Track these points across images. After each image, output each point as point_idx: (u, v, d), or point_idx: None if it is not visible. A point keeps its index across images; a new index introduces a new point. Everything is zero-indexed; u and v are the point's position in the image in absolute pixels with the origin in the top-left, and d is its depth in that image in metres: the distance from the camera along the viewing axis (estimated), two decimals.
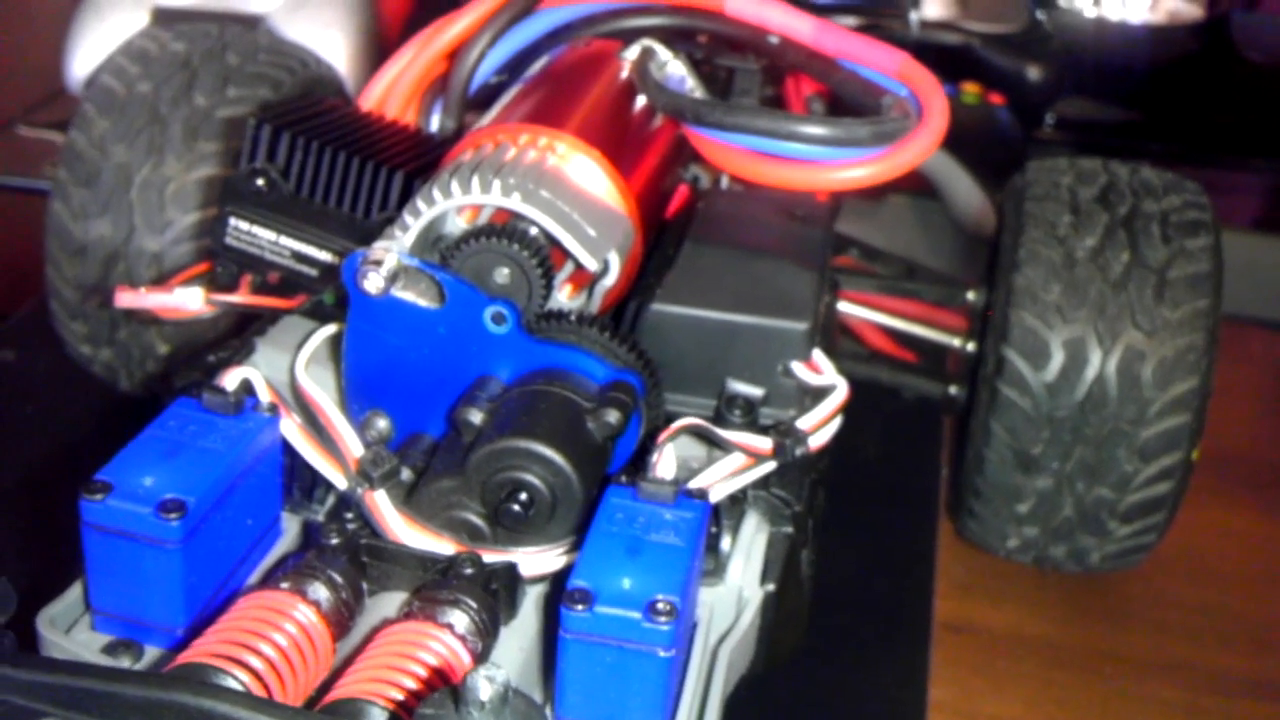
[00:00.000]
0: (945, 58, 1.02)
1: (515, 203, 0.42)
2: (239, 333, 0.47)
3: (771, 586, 0.41)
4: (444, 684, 0.31)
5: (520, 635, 0.38)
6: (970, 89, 1.02)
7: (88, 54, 0.94)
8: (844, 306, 0.64)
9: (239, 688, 0.31)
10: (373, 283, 0.41)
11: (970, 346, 0.62)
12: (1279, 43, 1.15)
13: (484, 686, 0.25)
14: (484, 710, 0.26)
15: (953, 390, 0.62)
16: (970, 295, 0.63)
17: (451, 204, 0.42)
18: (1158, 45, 1.13)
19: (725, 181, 0.56)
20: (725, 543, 0.41)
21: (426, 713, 0.26)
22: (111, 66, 0.63)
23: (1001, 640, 0.60)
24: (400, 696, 0.31)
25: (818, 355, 0.45)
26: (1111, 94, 1.14)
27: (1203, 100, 1.13)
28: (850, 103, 0.52)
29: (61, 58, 0.97)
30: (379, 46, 0.94)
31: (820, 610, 0.47)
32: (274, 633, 0.33)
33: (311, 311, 0.48)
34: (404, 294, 0.42)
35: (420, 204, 0.42)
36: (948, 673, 0.57)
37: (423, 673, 0.32)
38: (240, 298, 0.48)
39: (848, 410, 0.45)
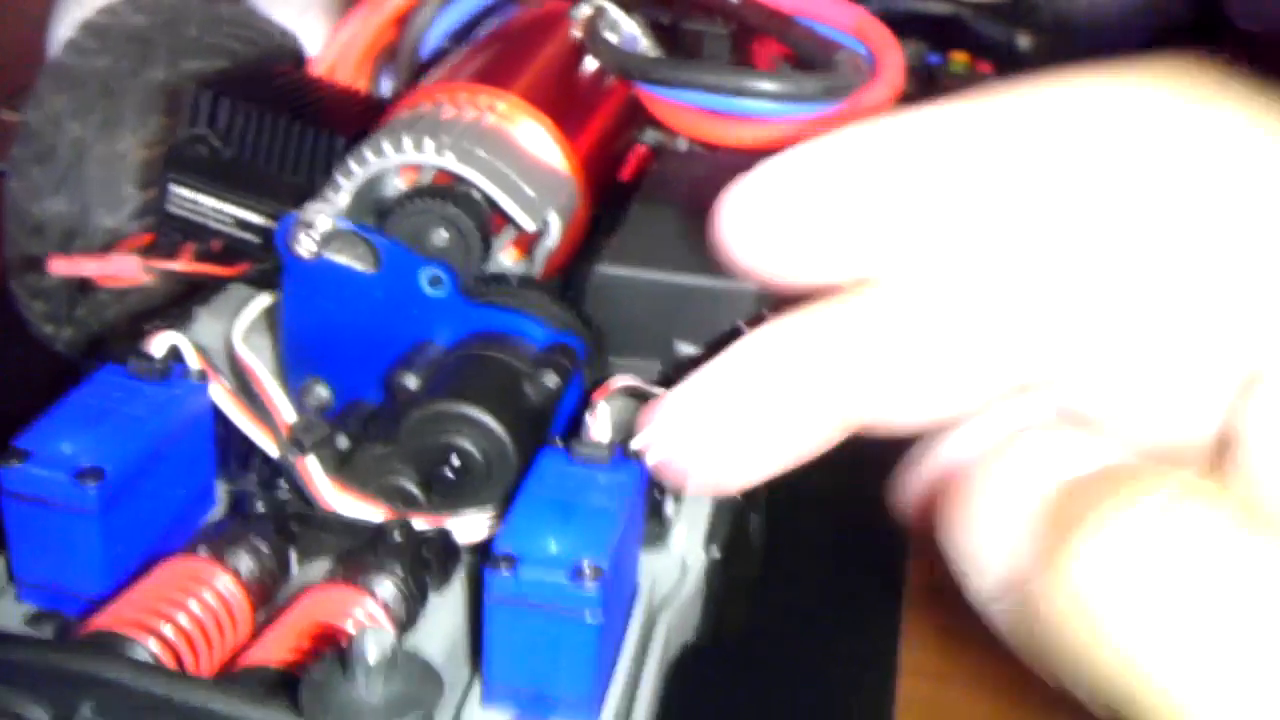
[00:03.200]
0: (934, 27, 1.01)
1: (449, 162, 0.41)
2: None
3: (716, 553, 0.40)
4: None
5: (452, 603, 0.37)
6: (959, 58, 1.01)
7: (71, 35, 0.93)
8: None
9: (147, 656, 0.30)
10: (305, 246, 0.40)
11: None
12: (1273, 11, 1.13)
13: (370, 649, 0.25)
14: (371, 673, 0.25)
15: None
16: None
17: (384, 163, 0.41)
18: (1150, 15, 1.11)
19: (684, 144, 0.55)
20: (669, 506, 0.40)
21: (314, 678, 0.25)
22: (68, 43, 0.62)
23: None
24: (308, 663, 0.30)
25: (768, 318, 0.44)
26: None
27: None
28: (808, 60, 0.51)
29: (44, 42, 0.96)
30: None
31: (787, 574, 0.46)
32: (188, 599, 0.33)
33: (256, 280, 0.47)
34: (338, 257, 0.41)
35: (352, 164, 0.41)
36: (919, 635, 0.56)
37: (334, 639, 0.31)
38: (180, 265, 0.47)
39: None
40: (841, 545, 0.58)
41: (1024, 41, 1.05)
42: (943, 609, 0.58)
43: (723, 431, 0.26)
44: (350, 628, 0.32)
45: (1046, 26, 1.06)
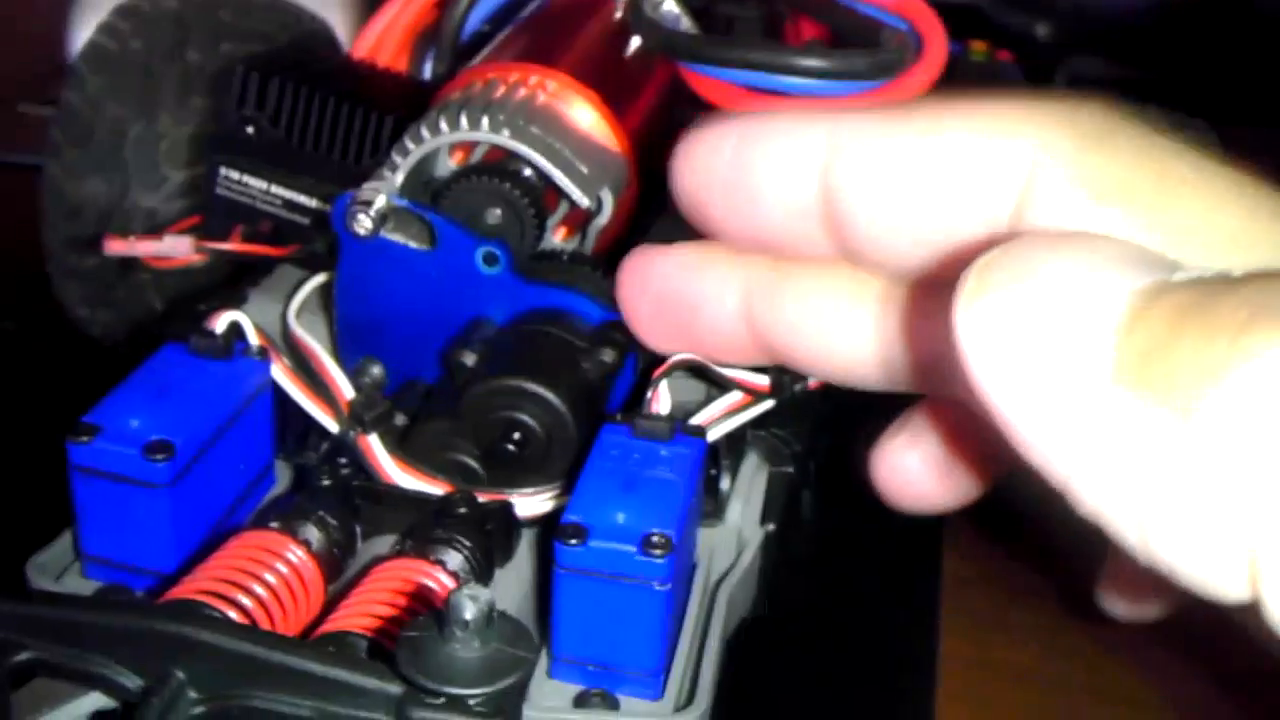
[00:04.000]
0: (953, 15, 1.01)
1: (505, 139, 0.41)
2: (233, 284, 0.46)
3: (772, 527, 0.41)
4: None
5: (516, 576, 0.38)
6: (978, 46, 1.01)
7: (90, 28, 0.93)
8: None
9: None
10: (362, 224, 0.40)
11: None
12: None
13: (468, 605, 0.25)
14: (468, 630, 0.25)
15: None
16: None
17: (440, 141, 0.41)
18: (1165, 3, 1.11)
19: None
20: (724, 483, 0.40)
21: (411, 635, 0.26)
22: (103, 26, 0.62)
23: (1017, 592, 0.59)
24: (388, 629, 0.31)
25: None
26: (1122, 52, 1.12)
27: (1217, 57, 1.11)
28: (850, 40, 0.51)
29: (64, 32, 0.96)
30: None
31: (828, 561, 0.46)
32: (263, 570, 0.33)
33: (305, 260, 0.47)
34: (394, 236, 0.41)
35: (409, 143, 0.41)
36: (960, 623, 0.56)
37: (412, 607, 0.32)
38: (232, 246, 0.47)
39: None
40: (878, 535, 0.58)
41: (1042, 30, 1.05)
42: (979, 598, 0.58)
43: None
44: (426, 597, 0.32)
45: (1064, 15, 1.06)
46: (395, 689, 0.26)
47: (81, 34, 0.94)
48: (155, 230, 0.57)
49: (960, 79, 0.97)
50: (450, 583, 0.34)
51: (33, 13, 1.16)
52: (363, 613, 0.31)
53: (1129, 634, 0.56)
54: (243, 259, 0.48)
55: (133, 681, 0.27)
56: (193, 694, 0.26)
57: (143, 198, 0.58)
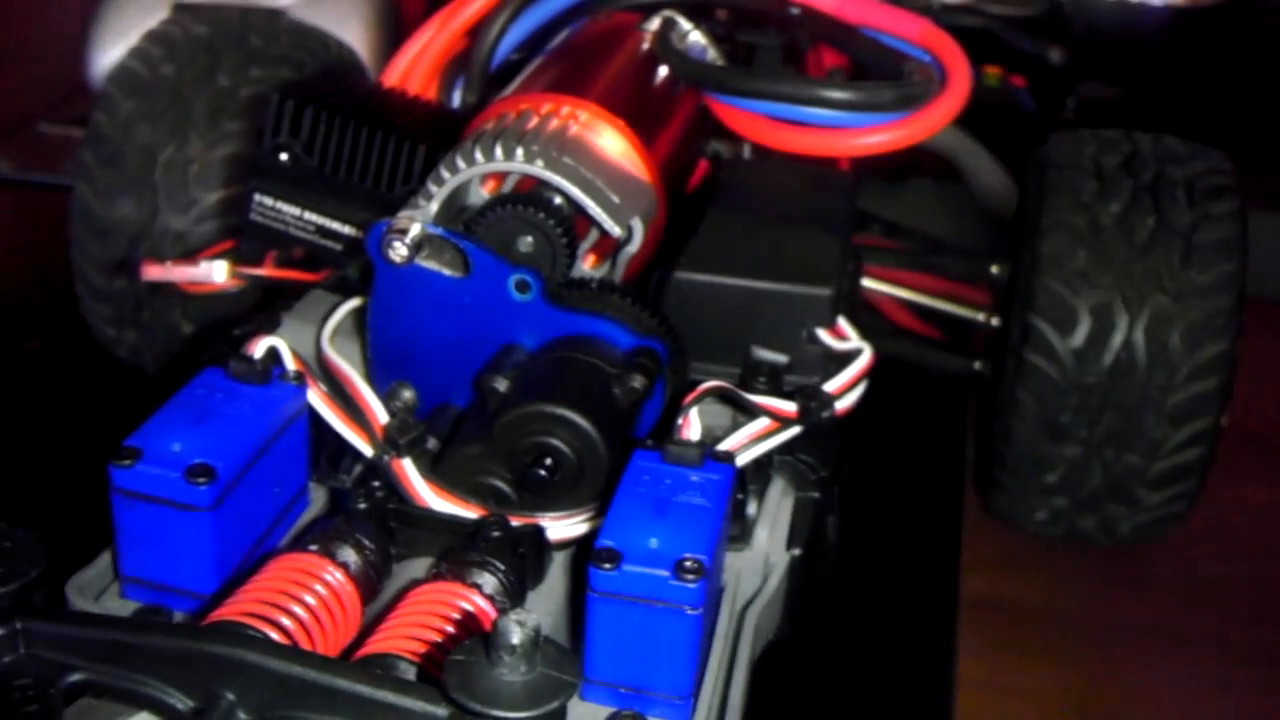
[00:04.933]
0: (967, 40, 1.01)
1: (538, 169, 0.42)
2: (265, 309, 0.47)
3: (798, 551, 0.41)
4: None
5: (547, 599, 0.38)
6: (992, 71, 1.02)
7: (110, 49, 0.95)
8: (868, 283, 0.63)
9: None
10: (397, 252, 0.41)
11: (994, 321, 0.62)
12: None
13: (515, 630, 0.25)
14: (515, 654, 0.26)
15: (977, 365, 0.61)
16: (994, 269, 0.62)
17: (475, 171, 0.42)
18: (1180, 27, 1.12)
19: (747, 153, 0.56)
20: (751, 508, 0.41)
21: (459, 659, 0.26)
22: (134, 51, 0.63)
23: (1030, 615, 0.59)
24: (430, 652, 0.31)
25: (842, 321, 0.45)
26: (1134, 77, 1.13)
27: (1229, 80, 1.12)
28: (874, 70, 0.52)
29: (84, 53, 0.97)
30: (398, 37, 0.94)
31: (849, 586, 0.46)
32: (303, 593, 0.33)
33: (336, 285, 0.48)
34: (429, 263, 0.42)
35: (444, 172, 0.42)
36: (976, 647, 0.56)
37: (452, 630, 0.32)
38: (265, 271, 0.48)
39: (873, 387, 0.45)
40: (897, 560, 0.59)
41: (1055, 55, 1.06)
42: (991, 621, 0.59)
43: None
44: (463, 619, 0.33)
45: (1078, 40, 1.06)
46: (441, 711, 0.26)
47: (102, 55, 0.95)
48: (186, 254, 0.57)
49: (973, 103, 0.98)
50: (486, 606, 0.34)
51: (50, 33, 1.17)
52: (404, 635, 0.32)
53: (1143, 659, 0.57)
54: (277, 284, 0.49)
55: (183, 702, 0.27)
56: (242, 715, 0.27)
57: (172, 220, 0.59)
